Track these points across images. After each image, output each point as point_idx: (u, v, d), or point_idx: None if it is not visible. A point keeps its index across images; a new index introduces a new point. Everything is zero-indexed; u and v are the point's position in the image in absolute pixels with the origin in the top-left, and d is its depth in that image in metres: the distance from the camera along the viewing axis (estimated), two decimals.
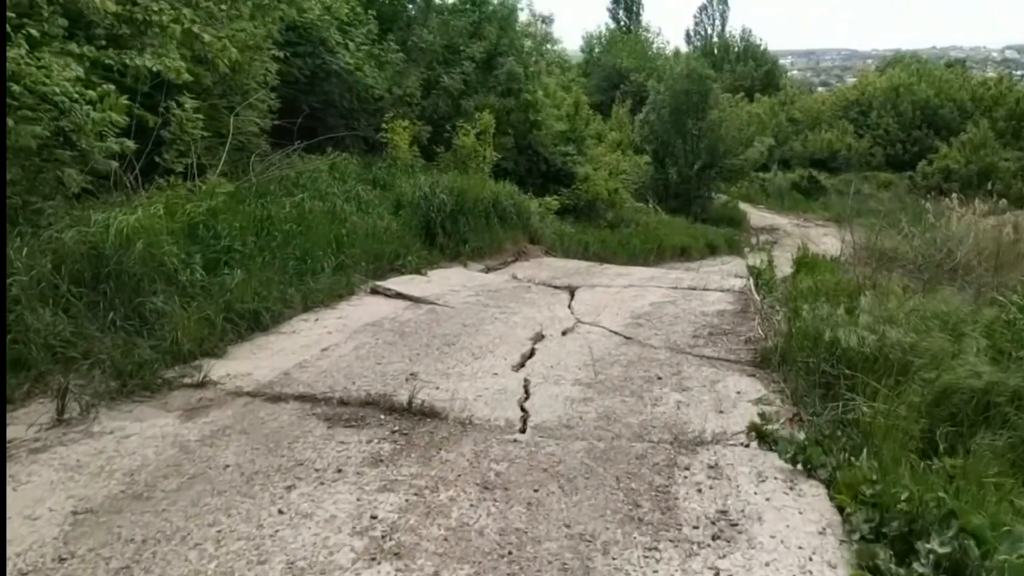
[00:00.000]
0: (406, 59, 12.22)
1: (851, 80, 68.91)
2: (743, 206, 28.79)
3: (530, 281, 7.83)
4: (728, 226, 24.04)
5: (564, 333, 5.56)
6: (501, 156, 13.80)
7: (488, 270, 8.77)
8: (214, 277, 4.76)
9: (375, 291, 6.15)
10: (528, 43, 16.83)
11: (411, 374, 4.02)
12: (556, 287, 7.60)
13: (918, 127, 38.38)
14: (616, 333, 5.74)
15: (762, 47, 51.71)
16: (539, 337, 5.24)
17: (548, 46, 30.19)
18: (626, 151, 25.07)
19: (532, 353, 4.75)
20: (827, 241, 24.13)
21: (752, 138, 26.90)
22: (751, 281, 7.43)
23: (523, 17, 16.48)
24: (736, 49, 50.92)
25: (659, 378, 4.44)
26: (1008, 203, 15.56)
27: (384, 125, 10.35)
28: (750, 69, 48.55)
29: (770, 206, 33.46)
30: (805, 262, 8.61)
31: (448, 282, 7.01)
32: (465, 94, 13.15)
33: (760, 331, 5.87)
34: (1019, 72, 50.27)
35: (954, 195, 17.08)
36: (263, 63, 8.52)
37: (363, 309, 5.52)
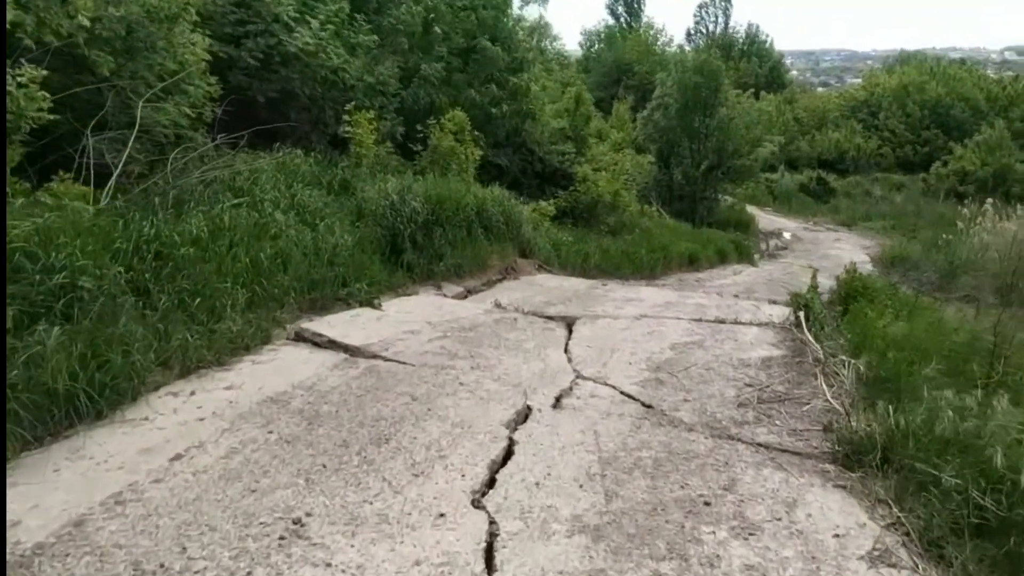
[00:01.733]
0: (380, 43, 10.58)
1: (851, 80, 67.47)
2: (749, 209, 27.19)
3: (517, 310, 6.21)
4: (735, 230, 22.47)
5: (558, 401, 3.95)
6: (490, 153, 12.20)
7: (467, 293, 7.15)
8: (30, 336, 3.12)
9: (301, 337, 4.51)
10: (521, 32, 15.19)
11: (295, 521, 2.37)
12: (550, 318, 5.99)
13: (927, 127, 36.88)
14: (631, 398, 4.13)
15: (768, 43, 50.26)
16: (522, 415, 3.61)
17: (548, 43, 28.62)
18: (627, 150, 23.48)
19: (508, 453, 3.12)
20: (841, 248, 22.65)
21: (760, 137, 25.29)
22: (801, 316, 5.78)
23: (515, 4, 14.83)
24: (740, 46, 49.39)
25: (707, 503, 2.81)
26: None
27: (346, 117, 8.69)
28: (754, 66, 47.03)
29: (777, 209, 31.93)
30: (856, 287, 6.99)
31: (408, 317, 5.37)
32: (447, 84, 11.54)
33: (829, 397, 4.25)
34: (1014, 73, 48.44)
35: (989, 200, 15.60)
36: (191, 43, 6.87)
37: (271, 370, 3.88)
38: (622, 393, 4.22)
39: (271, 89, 8.90)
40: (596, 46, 45.05)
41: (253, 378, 3.71)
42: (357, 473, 2.74)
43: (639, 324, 5.98)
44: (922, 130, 36.52)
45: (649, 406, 4.03)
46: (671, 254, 14.67)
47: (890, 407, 3.49)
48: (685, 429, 3.69)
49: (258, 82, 8.80)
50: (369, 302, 5.53)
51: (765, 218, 28.01)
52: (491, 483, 2.81)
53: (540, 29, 18.59)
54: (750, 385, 4.48)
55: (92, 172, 5.50)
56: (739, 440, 3.58)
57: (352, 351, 4.29)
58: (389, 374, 3.94)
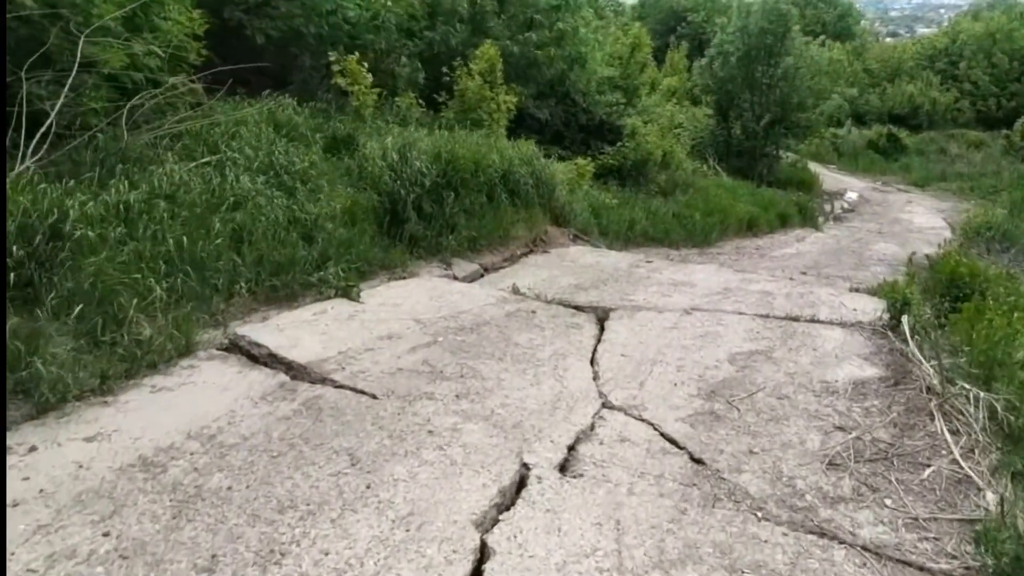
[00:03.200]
0: None
1: (922, 31, 62.85)
2: (812, 167, 25.14)
3: (538, 297, 5.04)
4: (798, 190, 20.65)
5: (571, 452, 2.80)
6: (531, 105, 10.85)
7: (484, 272, 6.00)
8: None
9: (236, 345, 3.41)
10: None
11: None
12: (578, 309, 4.81)
13: (1016, 79, 33.75)
14: (674, 444, 2.97)
15: None
16: (510, 492, 2.46)
17: None
18: (682, 101, 21.72)
19: None
20: (914, 211, 20.68)
21: (827, 89, 23.12)
22: (903, 320, 4.46)
23: None
24: None
25: None
26: None
27: (333, 63, 7.48)
28: (820, 12, 43.84)
29: (842, 167, 29.64)
30: (961, 274, 5.59)
31: (392, 312, 4.24)
32: (480, 27, 10.18)
33: (958, 456, 2.99)
34: None
35: None
36: None
37: (168, 403, 2.79)
38: (663, 435, 3.05)
39: (272, 28, 7.72)
40: None
41: (136, 419, 2.63)
42: None
43: (689, 321, 4.74)
44: (1009, 82, 33.47)
45: (700, 461, 2.85)
46: (728, 218, 13.19)
47: None
48: (752, 511, 2.51)
49: (258, 19, 7.64)
50: (346, 291, 4.40)
51: (829, 177, 25.91)
52: None
53: None
54: (841, 428, 3.24)
55: (24, 123, 4.50)
56: (835, 538, 2.39)
57: (296, 371, 3.18)
58: (333, 413, 2.81)
